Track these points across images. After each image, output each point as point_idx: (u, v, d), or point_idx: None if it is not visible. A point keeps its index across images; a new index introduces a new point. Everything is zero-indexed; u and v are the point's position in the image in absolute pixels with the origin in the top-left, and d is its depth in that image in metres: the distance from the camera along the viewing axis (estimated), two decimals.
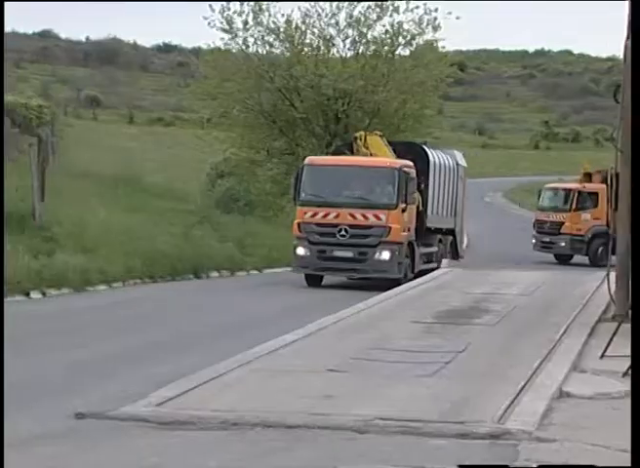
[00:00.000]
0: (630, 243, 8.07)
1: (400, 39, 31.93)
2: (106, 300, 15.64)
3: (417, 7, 31.67)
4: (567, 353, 9.70)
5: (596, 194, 27.21)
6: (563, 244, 27.78)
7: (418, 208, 19.69)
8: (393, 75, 31.31)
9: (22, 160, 20.40)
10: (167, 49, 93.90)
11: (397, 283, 17.44)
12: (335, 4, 31.94)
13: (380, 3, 31.70)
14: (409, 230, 18.91)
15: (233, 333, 12.00)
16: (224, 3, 31.06)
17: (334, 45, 32.31)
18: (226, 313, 14.24)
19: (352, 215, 18.29)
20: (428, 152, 20.95)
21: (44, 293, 15.58)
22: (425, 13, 31.65)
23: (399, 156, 19.69)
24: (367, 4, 31.82)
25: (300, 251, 18.49)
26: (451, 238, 22.36)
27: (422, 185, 20.12)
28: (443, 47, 33.54)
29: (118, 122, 63.14)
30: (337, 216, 18.33)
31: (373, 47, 32.07)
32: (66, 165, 25.87)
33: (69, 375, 8.95)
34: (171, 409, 7.12)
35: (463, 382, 8.20)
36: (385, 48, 31.88)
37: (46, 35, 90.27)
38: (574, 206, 27.67)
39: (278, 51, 31.97)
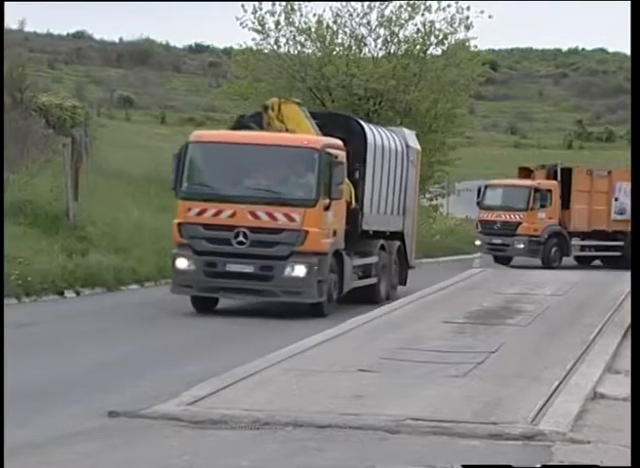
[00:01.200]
0: (630, 243, 7.98)
1: (432, 38, 31.81)
2: (138, 300, 15.74)
3: (449, 6, 31.55)
4: (601, 354, 9.61)
5: (550, 191, 25.56)
6: (521, 246, 25.51)
7: (349, 204, 14.58)
8: (425, 75, 31.21)
9: (56, 160, 20.60)
10: (199, 49, 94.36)
11: (319, 309, 13.53)
12: (366, 4, 31.91)
13: (411, 2, 31.62)
14: (335, 235, 13.82)
15: (265, 333, 12.02)
16: (257, 3, 31.16)
17: (365, 45, 32.27)
18: (257, 312, 14.26)
19: (254, 215, 13.33)
20: (366, 129, 15.42)
21: (78, 293, 15.70)
22: (457, 12, 31.50)
23: (326, 133, 14.29)
24: (399, 3, 31.74)
25: (182, 263, 13.49)
26: (398, 244, 16.77)
27: (357, 173, 14.88)
28: (475, 46, 33.37)
29: (150, 122, 63.58)
30: (232, 216, 13.36)
31: (404, 46, 31.99)
32: (99, 165, 26.09)
33: (103, 374, 9.01)
34: (202, 407, 7.14)
35: (496, 383, 8.15)
36: (417, 47, 31.78)
37: (80, 36, 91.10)
38: (531, 204, 25.48)
39: (309, 51, 32.01)
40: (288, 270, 13.26)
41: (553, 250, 25.40)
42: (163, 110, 67.27)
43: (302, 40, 31.47)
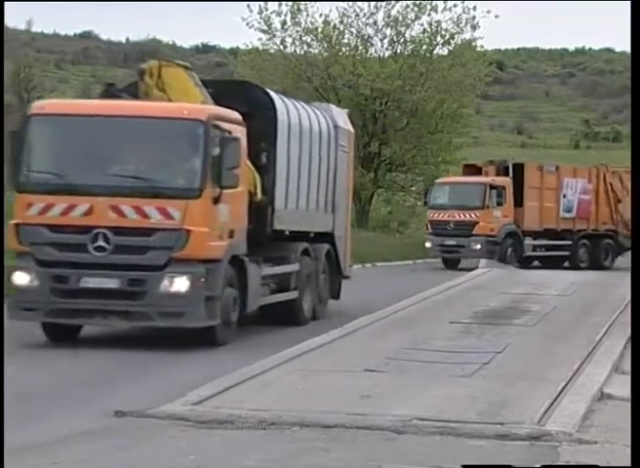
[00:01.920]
0: (630, 243, 7.98)
1: (438, 38, 31.86)
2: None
3: (455, 6, 31.59)
4: (608, 354, 9.59)
5: (504, 189, 24.48)
6: (478, 247, 24.23)
7: (252, 195, 11.46)
8: (431, 75, 31.24)
9: None
10: (205, 49, 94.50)
11: (210, 335, 10.40)
12: (372, 4, 31.92)
13: (418, 2, 31.61)
14: (232, 236, 10.68)
15: (273, 333, 12.02)
16: (263, 3, 31.20)
17: (372, 45, 32.32)
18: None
19: (118, 210, 10.16)
20: (276, 101, 12.18)
21: None
22: (464, 11, 31.58)
23: (225, 107, 11.01)
24: (405, 3, 31.75)
25: (21, 279, 10.25)
26: (327, 248, 13.66)
27: (264, 157, 11.77)
28: (481, 46, 33.43)
29: None
30: (88, 213, 10.18)
31: (411, 46, 32.03)
32: None
33: (110, 373, 9.02)
34: (209, 407, 7.15)
35: (502, 383, 8.14)
36: (424, 47, 31.82)
37: (87, 36, 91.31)
38: (486, 202, 24.41)
39: (316, 51, 32.05)
40: (165, 284, 10.01)
41: (509, 250, 24.44)
42: None
43: (309, 40, 31.55)
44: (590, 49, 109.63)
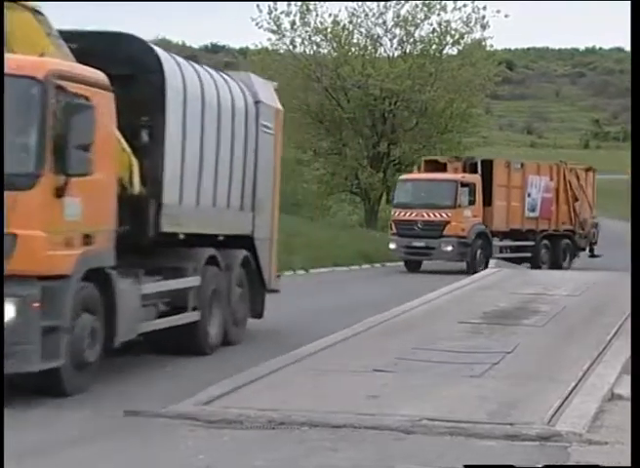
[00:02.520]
0: (630, 243, 7.93)
1: (448, 38, 31.83)
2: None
3: (465, 5, 31.56)
4: (618, 355, 9.55)
5: (474, 186, 22.84)
6: (449, 248, 22.56)
7: (125, 186, 8.71)
8: (440, 74, 31.22)
9: None
10: (215, 49, 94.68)
11: (52, 382, 7.62)
12: (382, 3, 31.91)
13: (427, 2, 31.59)
14: (89, 243, 7.89)
15: (284, 332, 12.02)
16: (272, 4, 31.23)
17: (381, 44, 32.32)
18: (279, 311, 14.25)
19: None
20: (164, 61, 9.42)
21: None
22: (473, 11, 31.53)
23: (91, 65, 8.20)
24: (414, 3, 31.74)
25: None
26: (244, 255, 10.98)
27: (146, 134, 9.01)
28: (491, 45, 33.38)
29: None
30: None
31: (420, 46, 32.02)
32: None
33: (120, 373, 9.04)
34: (218, 407, 7.15)
35: (512, 383, 8.12)
36: (433, 47, 31.80)
37: None
38: (458, 201, 22.60)
39: (325, 51, 32.06)
40: None
41: (478, 252, 22.91)
42: None
43: (318, 40, 31.55)
44: (601, 48, 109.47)
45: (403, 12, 31.60)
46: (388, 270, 24.30)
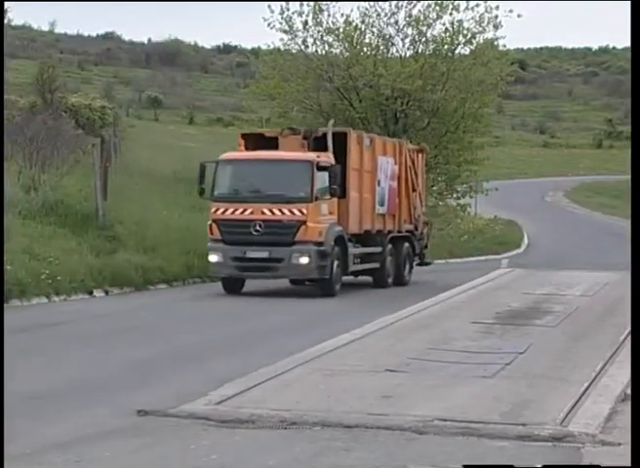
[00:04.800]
0: (630, 243, 7.87)
1: (460, 38, 31.72)
2: (166, 299, 15.81)
3: (477, 5, 31.46)
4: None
5: (334, 170, 16.02)
6: (305, 260, 15.49)
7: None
8: (452, 74, 31.12)
9: (86, 160, 20.76)
10: (227, 50, 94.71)
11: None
12: (394, 3, 31.88)
13: (440, 2, 31.54)
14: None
15: (295, 332, 12.03)
16: (284, 4, 31.22)
17: (393, 44, 32.23)
18: (288, 312, 14.28)
19: None
20: None
21: (107, 292, 15.82)
22: (486, 11, 31.41)
23: None
24: (427, 3, 31.69)
25: None
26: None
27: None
28: (504, 45, 33.24)
29: (179, 123, 63.91)
30: None
31: (432, 46, 31.92)
32: (128, 165, 26.26)
33: (132, 373, 9.06)
34: (231, 407, 7.17)
35: (524, 384, 8.10)
36: (445, 46, 31.69)
37: (109, 37, 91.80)
38: (315, 192, 15.71)
39: (337, 51, 32.02)
40: None
41: (335, 265, 16.09)
42: (191, 110, 67.58)
43: (330, 40, 31.49)
44: (614, 48, 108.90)
45: (415, 11, 31.51)
46: None
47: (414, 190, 19.72)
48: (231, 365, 9.17)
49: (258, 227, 15.81)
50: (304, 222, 15.78)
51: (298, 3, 31.33)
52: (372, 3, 31.62)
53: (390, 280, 18.37)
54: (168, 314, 13.95)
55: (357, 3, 31.71)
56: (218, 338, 11.42)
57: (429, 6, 31.60)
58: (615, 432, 6.64)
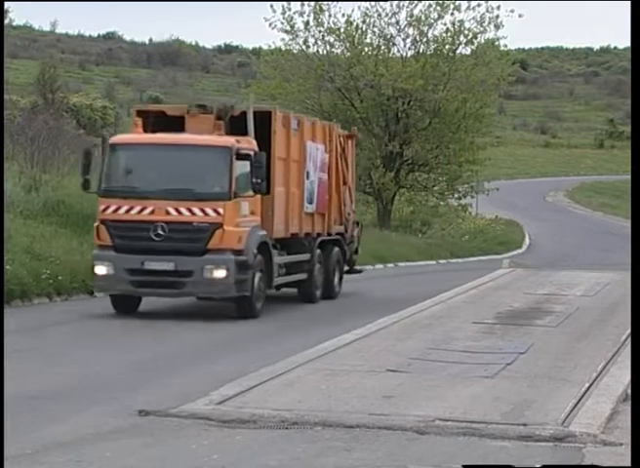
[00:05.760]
0: (631, 243, 7.87)
1: (461, 38, 31.71)
2: (167, 300, 15.79)
3: (478, 5, 31.45)
4: None
5: (257, 159, 12.88)
6: (221, 274, 12.41)
7: None
8: (454, 74, 31.11)
9: None
10: (228, 50, 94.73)
11: None
12: (395, 3, 31.87)
13: (441, 2, 31.53)
14: None
15: (297, 332, 12.03)
16: (285, 4, 31.21)
17: (394, 44, 32.23)
18: (293, 311, 14.27)
19: None
20: None
21: None
22: (487, 11, 31.41)
23: None
24: (428, 3, 31.67)
25: None
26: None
27: None
28: (505, 45, 33.23)
29: None
30: None
31: (433, 46, 31.91)
32: None
33: (133, 373, 9.07)
34: (231, 407, 7.17)
35: (526, 384, 8.10)
36: (446, 46, 31.68)
37: (110, 37, 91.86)
38: (233, 186, 12.55)
39: (338, 51, 32.01)
40: None
41: (257, 278, 12.90)
42: None
43: (331, 40, 31.49)
44: (615, 48, 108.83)
45: (416, 11, 31.54)
46: (401, 270, 24.27)
47: (344, 184, 16.46)
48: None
49: (160, 231, 12.51)
50: (220, 225, 12.51)
51: (299, 3, 31.33)
52: (373, 3, 31.61)
53: (319, 292, 15.20)
54: (169, 314, 13.95)
55: (358, 3, 31.69)
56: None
57: (430, 6, 31.59)
58: (616, 432, 6.63)
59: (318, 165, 15.26)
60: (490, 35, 31.68)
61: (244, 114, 13.40)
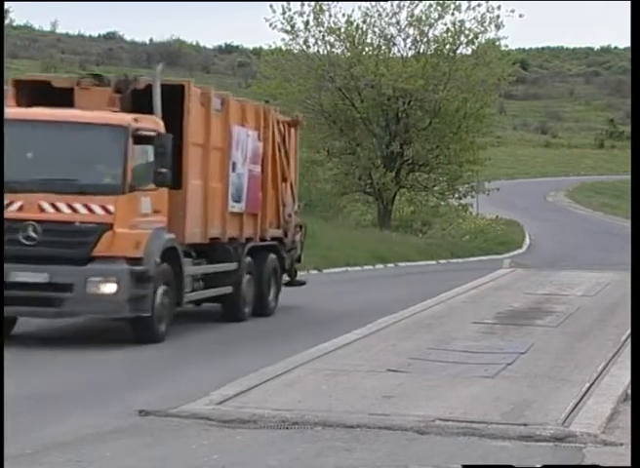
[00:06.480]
0: (631, 243, 7.87)
1: (462, 38, 31.73)
2: None
3: (479, 5, 31.47)
4: None
5: (162, 142, 10.55)
6: (109, 289, 10.08)
7: None
8: (454, 74, 31.13)
9: None
10: (228, 50, 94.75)
11: None
12: (395, 3, 31.87)
13: (441, 2, 31.53)
14: None
15: (299, 332, 12.02)
16: (285, 4, 31.23)
17: (394, 44, 32.26)
18: (293, 311, 14.26)
19: None
20: None
21: None
22: (488, 11, 31.43)
23: None
24: (428, 2, 31.69)
25: None
26: None
27: None
28: (505, 45, 33.25)
29: None
30: None
31: (434, 46, 31.93)
32: None
33: (133, 373, 9.06)
34: (232, 407, 7.16)
35: (526, 384, 8.10)
36: (447, 46, 31.70)
37: (111, 37, 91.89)
38: (129, 177, 10.28)
39: (339, 51, 32.03)
40: None
41: (160, 293, 10.51)
42: None
43: (332, 40, 31.51)
44: (616, 47, 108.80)
45: (417, 11, 31.56)
46: (401, 270, 24.28)
47: (284, 180, 13.95)
48: None
49: (31, 233, 10.01)
50: (110, 226, 10.11)
51: (299, 3, 31.35)
52: (373, 3, 31.62)
53: (248, 309, 12.73)
54: None
55: (358, 3, 31.70)
56: None
57: (431, 6, 31.61)
58: (617, 432, 6.63)
59: (249, 155, 12.70)
60: (490, 35, 31.73)
61: (149, 88, 10.84)
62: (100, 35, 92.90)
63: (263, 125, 13.26)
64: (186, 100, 11.31)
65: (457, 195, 33.67)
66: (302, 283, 14.84)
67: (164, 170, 10.40)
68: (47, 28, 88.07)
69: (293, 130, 14.60)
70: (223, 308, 12.64)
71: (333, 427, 6.65)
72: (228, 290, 12.20)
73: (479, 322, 11.89)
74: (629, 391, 7.88)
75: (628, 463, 5.70)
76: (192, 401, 7.34)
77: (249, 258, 12.80)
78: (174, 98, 11.08)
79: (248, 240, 12.88)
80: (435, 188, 33.67)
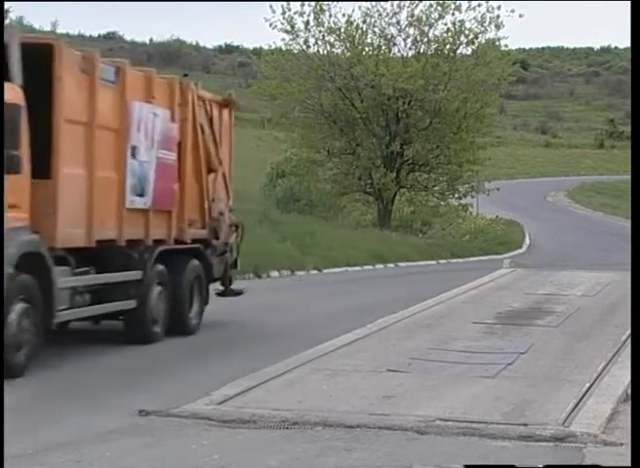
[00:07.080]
0: (631, 243, 7.88)
1: (462, 38, 31.75)
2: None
3: (479, 5, 31.49)
4: None
5: (14, 112, 8.29)
6: None
7: None
8: (454, 74, 31.15)
9: None
10: (228, 50, 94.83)
11: None
12: (396, 3, 31.89)
13: (442, 2, 31.56)
14: None
15: (297, 332, 12.02)
16: (285, 4, 31.25)
17: (395, 44, 32.28)
18: (293, 311, 14.27)
19: None
20: None
21: None
22: (488, 11, 31.46)
23: None
24: (428, 2, 31.71)
25: None
26: None
27: None
28: (505, 45, 33.28)
29: None
30: None
31: (434, 46, 31.95)
32: None
33: (134, 372, 9.06)
34: (232, 407, 7.17)
35: (526, 384, 8.10)
36: (447, 46, 31.73)
37: (111, 37, 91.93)
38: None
39: (339, 51, 32.05)
40: None
41: (17, 313, 8.20)
42: None
43: (332, 40, 31.53)
44: (616, 47, 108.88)
45: (417, 11, 31.58)
46: (401, 270, 24.28)
47: (211, 170, 11.87)
48: None
49: None
50: None
51: (299, 3, 31.36)
52: (373, 3, 31.64)
53: (159, 328, 10.57)
54: None
55: (359, 3, 31.71)
56: None
57: (431, 6, 31.63)
58: (617, 432, 6.63)
59: (157, 138, 10.41)
60: (490, 35, 31.75)
61: (4, 47, 8.44)
62: (100, 35, 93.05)
63: (180, 103, 11.02)
64: (56, 64, 8.95)
65: (457, 195, 33.69)
66: (239, 293, 12.62)
67: (14, 152, 8.10)
68: (47, 28, 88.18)
69: (226, 111, 12.42)
70: (126, 327, 10.39)
71: (333, 427, 6.65)
72: (130, 304, 10.01)
73: (479, 322, 11.89)
74: (629, 391, 7.88)
75: (628, 463, 5.70)
76: (192, 401, 7.34)
77: (160, 266, 10.51)
78: (42, 62, 8.87)
79: (157, 243, 10.56)
80: (435, 188, 33.69)
